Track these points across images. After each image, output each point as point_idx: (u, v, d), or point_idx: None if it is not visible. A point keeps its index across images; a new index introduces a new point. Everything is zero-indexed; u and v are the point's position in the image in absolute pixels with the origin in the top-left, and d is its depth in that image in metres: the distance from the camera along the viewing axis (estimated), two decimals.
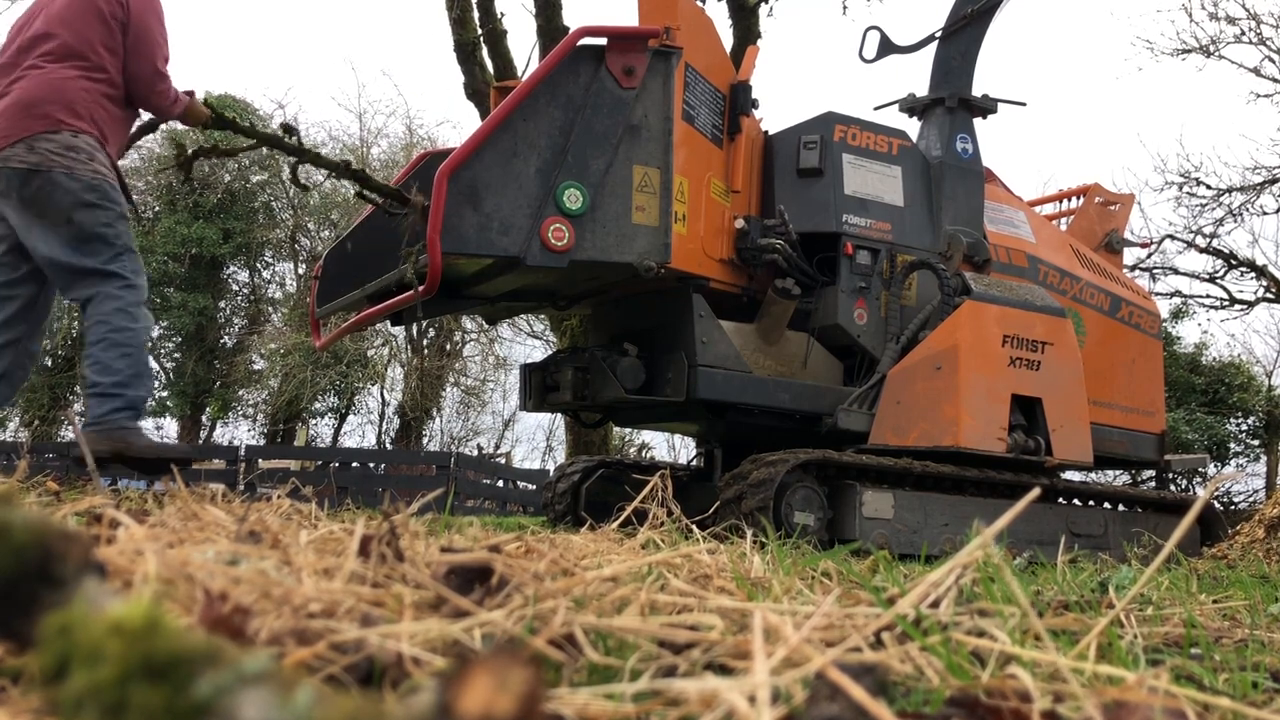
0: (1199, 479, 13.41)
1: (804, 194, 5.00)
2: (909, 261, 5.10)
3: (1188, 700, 0.78)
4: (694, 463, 6.84)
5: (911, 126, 5.70)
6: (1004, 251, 5.53)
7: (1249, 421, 15.35)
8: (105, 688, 0.49)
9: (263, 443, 18.10)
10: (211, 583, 0.86)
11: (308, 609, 0.87)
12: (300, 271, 19.13)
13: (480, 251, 4.10)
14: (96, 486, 2.20)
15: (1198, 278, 15.61)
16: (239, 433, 19.75)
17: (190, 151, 4.28)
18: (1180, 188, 15.18)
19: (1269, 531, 4.53)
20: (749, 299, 4.94)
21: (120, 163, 4.04)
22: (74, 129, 3.75)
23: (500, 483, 12.34)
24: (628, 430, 16.34)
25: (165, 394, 18.68)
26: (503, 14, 9.86)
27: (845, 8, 12.45)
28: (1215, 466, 14.33)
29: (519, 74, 9.47)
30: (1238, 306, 15.63)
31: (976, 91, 5.70)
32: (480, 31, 9.74)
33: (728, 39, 8.99)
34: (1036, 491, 0.92)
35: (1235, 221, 15.14)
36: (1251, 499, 14.87)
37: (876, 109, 6.16)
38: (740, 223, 4.84)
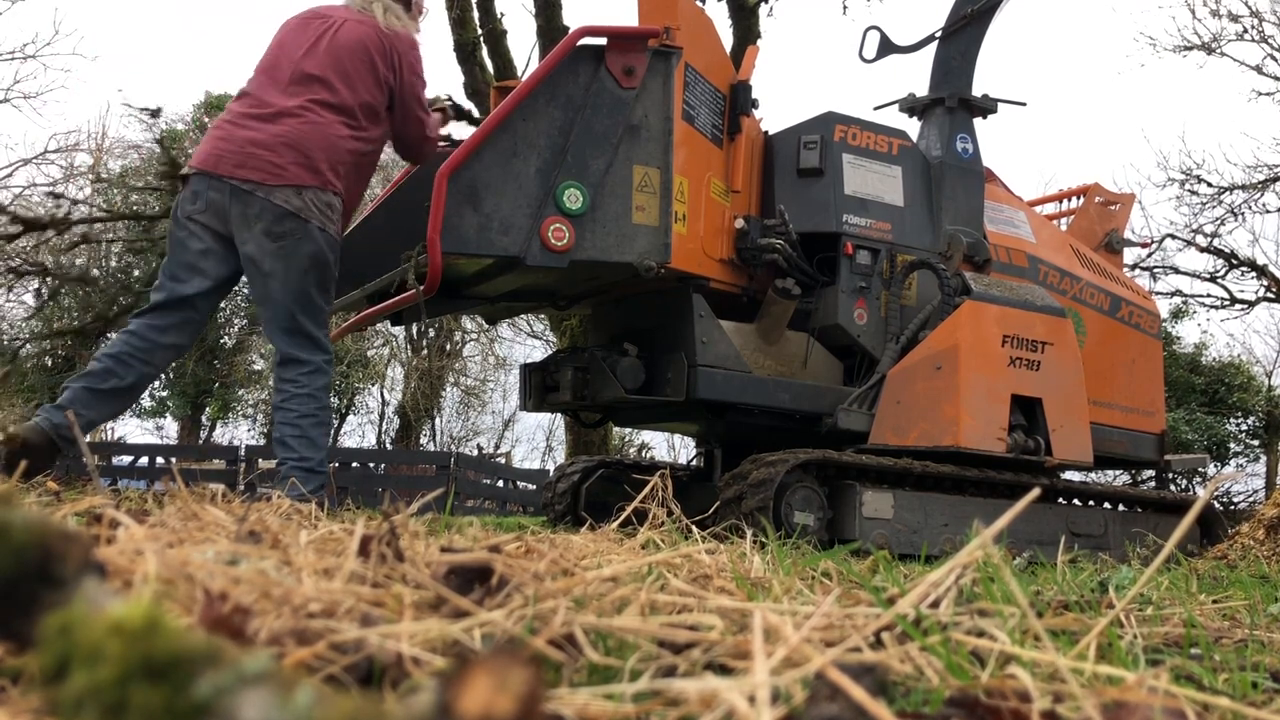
0: (1199, 479, 13.41)
1: (804, 194, 5.00)
2: (909, 261, 5.10)
3: (1187, 700, 0.78)
4: (694, 463, 6.84)
5: (911, 126, 5.70)
6: (1004, 251, 5.53)
7: (1249, 421, 15.35)
8: (105, 688, 0.49)
9: (263, 443, 18.10)
10: (211, 583, 0.86)
11: (308, 609, 0.87)
12: None
13: (480, 251, 4.10)
14: (96, 487, 2.20)
15: (1198, 277, 15.62)
16: (239, 433, 19.76)
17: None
18: (1182, 185, 15.18)
19: (1269, 532, 4.53)
20: (749, 299, 4.94)
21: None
22: (335, 190, 3.84)
23: (500, 483, 12.34)
24: (628, 430, 16.34)
25: (165, 394, 18.68)
26: (503, 14, 9.86)
27: (845, 8, 12.45)
28: (1215, 466, 14.32)
29: (519, 74, 9.46)
30: (1238, 306, 15.63)
31: (976, 91, 5.70)
32: (480, 31, 9.74)
33: (728, 39, 8.98)
34: (1036, 491, 0.92)
35: (1236, 220, 15.15)
36: (1251, 499, 14.87)
37: (876, 109, 6.15)
38: (740, 223, 4.84)
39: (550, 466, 17.71)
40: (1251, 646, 1.32)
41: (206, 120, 17.52)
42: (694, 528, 1.87)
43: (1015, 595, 0.91)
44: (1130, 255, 12.63)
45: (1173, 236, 15.33)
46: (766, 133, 5.17)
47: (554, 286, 4.97)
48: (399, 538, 1.03)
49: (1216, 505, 8.13)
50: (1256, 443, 15.38)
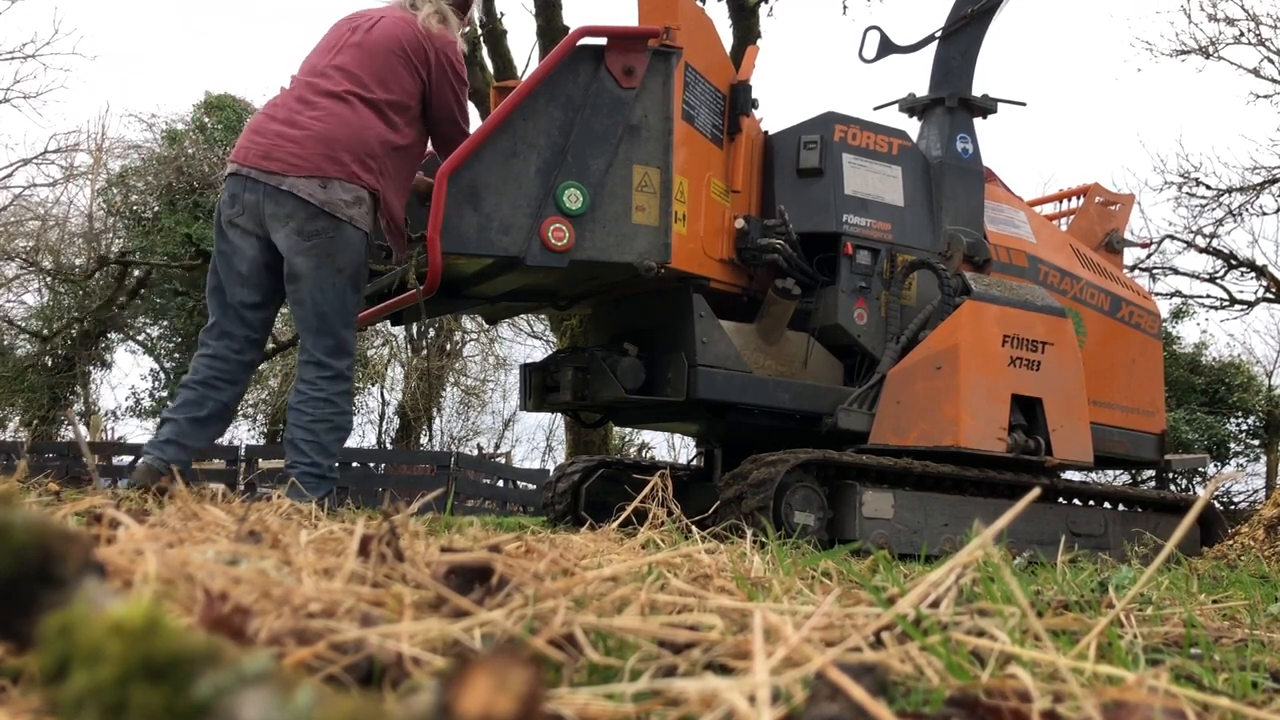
0: (1199, 479, 13.41)
1: (804, 194, 5.00)
2: (909, 261, 5.10)
3: (1187, 700, 0.78)
4: (694, 463, 6.84)
5: (911, 126, 5.70)
6: (1004, 251, 5.53)
7: (1249, 421, 15.35)
8: (105, 688, 0.49)
9: (263, 443, 18.10)
10: (211, 583, 0.86)
11: (308, 609, 0.87)
12: None
13: (480, 251, 4.10)
14: (96, 487, 2.20)
15: (1198, 278, 15.62)
16: (239, 433, 19.75)
17: None
18: (1180, 188, 15.18)
19: (1268, 532, 4.53)
20: (749, 299, 4.94)
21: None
22: (362, 183, 3.77)
23: (500, 483, 12.35)
24: (628, 430, 16.35)
25: (165, 394, 18.67)
26: (503, 14, 9.87)
27: (845, 8, 12.44)
28: (1215, 466, 14.32)
29: (519, 74, 9.47)
30: (1238, 306, 15.63)
31: (976, 91, 5.70)
32: (480, 31, 9.74)
33: (728, 39, 8.99)
34: (1036, 491, 0.92)
35: (1235, 221, 15.15)
36: (1251, 499, 14.87)
37: (876, 109, 6.15)
38: (740, 223, 4.84)
39: (550, 466, 17.72)
40: (1251, 646, 1.32)
41: (207, 120, 17.53)
42: (694, 528, 1.87)
43: (1015, 595, 0.91)
44: (1130, 256, 12.63)
45: (1172, 238, 15.33)
46: (766, 133, 5.17)
47: (554, 286, 4.97)
48: (399, 538, 1.03)
49: (1216, 505, 8.13)
50: (1256, 443, 15.38)
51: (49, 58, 19.24)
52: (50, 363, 16.88)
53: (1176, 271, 15.59)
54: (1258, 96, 14.67)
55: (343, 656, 0.76)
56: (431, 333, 18.84)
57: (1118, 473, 11.25)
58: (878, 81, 24.10)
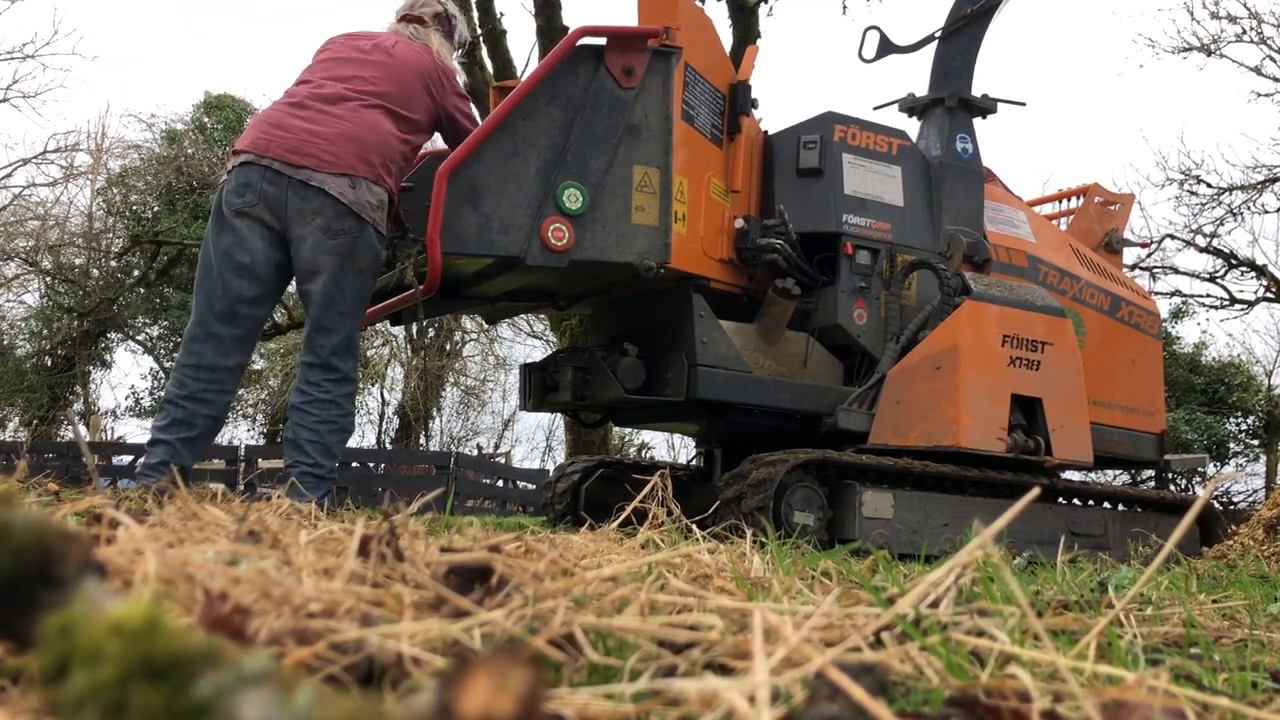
0: (1199, 479, 13.41)
1: (804, 194, 5.00)
2: (909, 261, 5.10)
3: (1187, 700, 0.78)
4: (694, 463, 6.84)
5: (911, 126, 5.70)
6: (1004, 251, 5.53)
7: (1249, 421, 15.35)
8: (105, 688, 0.49)
9: (263, 443, 18.10)
10: (211, 583, 0.86)
11: (308, 609, 0.87)
12: None
13: (480, 251, 4.10)
14: (96, 487, 2.20)
15: (1198, 277, 15.61)
16: (239, 433, 19.76)
17: None
18: (1181, 185, 15.18)
19: (1268, 532, 4.53)
20: (749, 299, 4.94)
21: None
22: (385, 185, 3.81)
23: (500, 483, 12.35)
24: (628, 430, 16.34)
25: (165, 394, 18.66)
26: (502, 14, 9.87)
27: (845, 8, 12.45)
28: (1215, 466, 14.32)
29: (518, 74, 9.47)
30: (1238, 306, 15.63)
31: (976, 91, 5.70)
32: (480, 31, 9.74)
33: (728, 39, 8.99)
34: (1036, 491, 0.92)
35: (1236, 220, 15.14)
36: (1251, 499, 14.87)
37: (876, 109, 6.15)
38: (740, 223, 4.84)
39: (550, 466, 17.72)
40: (1251, 646, 1.32)
41: (206, 120, 17.52)
42: (694, 528, 1.87)
43: (1015, 595, 0.91)
44: (1130, 255, 12.64)
45: (1172, 237, 15.33)
46: (766, 133, 5.17)
47: (554, 286, 4.96)
48: (399, 538, 1.03)
49: (1216, 505, 8.13)
50: (1256, 443, 15.38)
51: (49, 58, 19.24)
52: (50, 363, 16.89)
53: (1176, 271, 15.59)
54: (1259, 95, 14.67)
55: (343, 656, 0.76)
56: (431, 333, 18.84)
57: (1117, 473, 11.25)
58: (878, 81, 24.11)
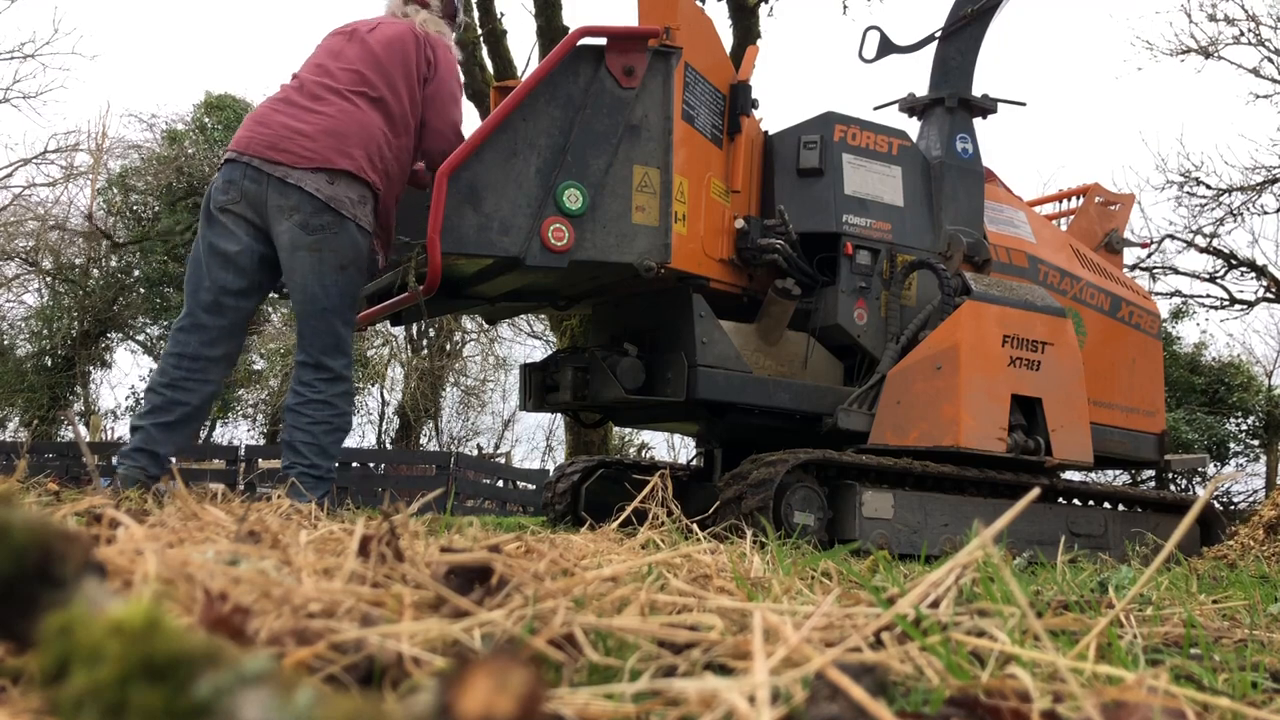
0: (1199, 479, 13.41)
1: (804, 194, 5.00)
2: (909, 261, 5.10)
3: (1187, 700, 0.78)
4: (694, 463, 6.84)
5: (911, 126, 5.70)
6: (1004, 251, 5.53)
7: (1249, 421, 15.35)
8: (105, 688, 0.49)
9: (263, 443, 18.09)
10: (211, 583, 0.86)
11: (308, 609, 0.87)
12: None
13: (480, 251, 4.10)
14: (96, 487, 2.20)
15: (1198, 278, 15.61)
16: (239, 433, 19.75)
17: None
18: (1181, 187, 15.18)
19: (1268, 532, 4.53)
20: (749, 299, 4.94)
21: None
22: (367, 179, 3.75)
23: (500, 483, 12.34)
24: (628, 430, 16.34)
25: None
26: (503, 14, 9.87)
27: (845, 8, 12.45)
28: (1215, 466, 14.32)
29: (519, 74, 9.47)
30: (1238, 306, 15.62)
31: (976, 91, 5.70)
32: (480, 31, 9.74)
33: (728, 39, 8.99)
34: (1036, 491, 0.92)
35: (1235, 221, 15.14)
36: (1251, 499, 14.87)
37: (876, 109, 6.16)
38: (740, 223, 4.84)
39: (550, 466, 17.71)
40: (1251, 646, 1.32)
41: (207, 120, 17.52)
42: (694, 528, 1.87)
43: (1015, 595, 0.91)
44: (1130, 255, 12.63)
45: (1172, 237, 15.33)
46: (766, 133, 5.17)
47: (554, 286, 4.97)
48: (399, 538, 1.03)
49: (1216, 505, 8.13)
50: (1256, 443, 15.38)
51: (48, 57, 19.26)
52: (50, 363, 16.88)
53: (1176, 271, 15.59)
54: (1258, 96, 14.67)
55: (343, 656, 0.76)
56: (431, 333, 18.83)
57: (1118, 473, 11.25)
58: (878, 81, 24.11)
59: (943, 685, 0.84)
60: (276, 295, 4.17)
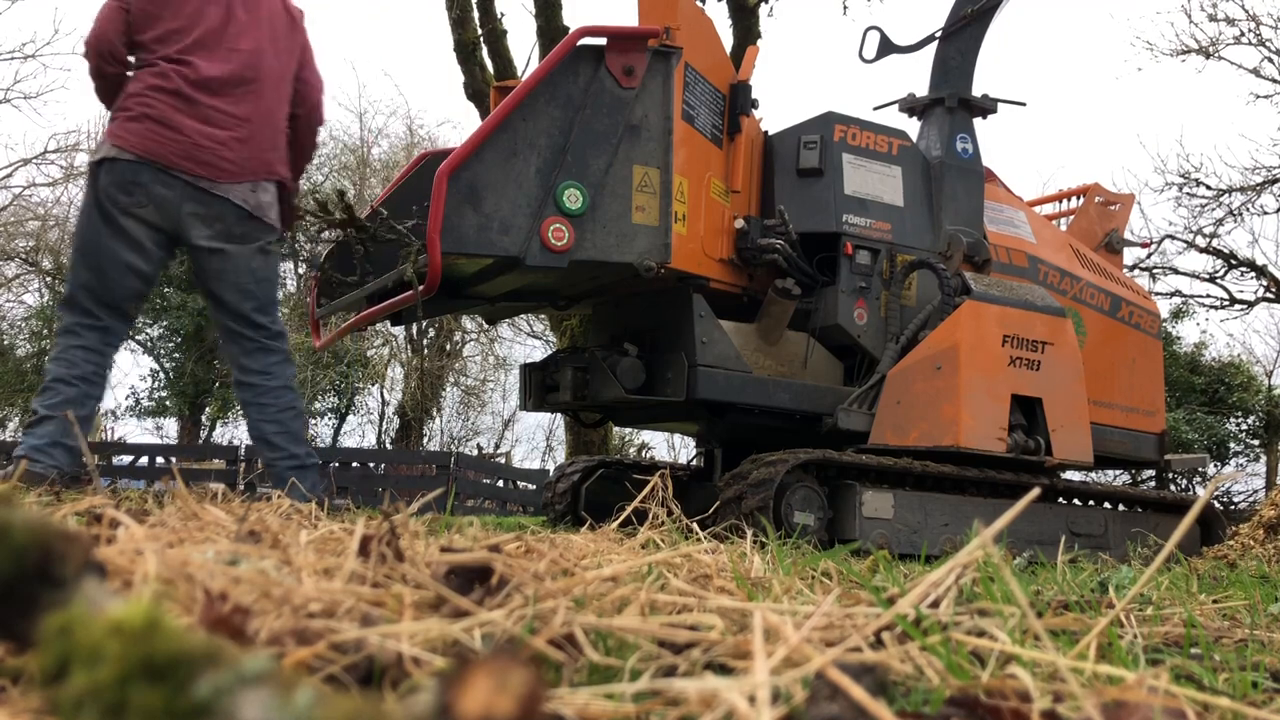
0: (1199, 479, 13.41)
1: (804, 194, 5.00)
2: (909, 261, 5.10)
3: (1188, 700, 0.78)
4: (694, 463, 6.84)
5: (911, 126, 5.70)
6: (1004, 251, 5.53)
7: (1249, 421, 15.35)
8: (105, 688, 0.49)
9: None
10: (211, 583, 0.86)
11: (308, 609, 0.87)
12: (300, 271, 19.13)
13: (480, 251, 4.10)
14: (96, 487, 2.20)
15: (1198, 278, 15.62)
16: (239, 433, 19.75)
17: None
18: (1180, 188, 15.18)
19: (1268, 532, 4.53)
20: (749, 299, 4.94)
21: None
22: (279, 176, 3.81)
23: (500, 483, 12.33)
24: (628, 430, 16.34)
25: (165, 394, 18.67)
26: (503, 14, 9.87)
27: (845, 8, 12.44)
28: (1215, 466, 14.32)
29: (519, 74, 9.47)
30: (1238, 306, 15.63)
31: (976, 91, 5.70)
32: (480, 31, 9.74)
33: (728, 39, 8.99)
34: (1036, 491, 0.92)
35: (1235, 221, 15.15)
36: (1251, 499, 14.87)
37: (876, 109, 6.15)
38: (740, 223, 4.84)
39: (550, 466, 17.71)
40: (1251, 646, 1.32)
41: None
42: (694, 527, 1.87)
43: (1015, 595, 0.91)
44: (1130, 256, 12.63)
45: (1172, 238, 15.34)
46: (766, 133, 5.17)
47: (554, 286, 4.97)
48: (399, 538, 1.03)
49: (1216, 505, 8.13)
50: (1256, 443, 15.38)
51: (49, 58, 19.26)
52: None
53: (1176, 271, 15.59)
54: (1258, 96, 14.68)
55: (343, 656, 0.76)
56: (431, 333, 18.83)
57: (1118, 473, 11.25)
58: (878, 81, 24.11)
59: (943, 685, 0.84)
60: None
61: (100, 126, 26.06)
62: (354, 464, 11.14)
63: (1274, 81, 14.55)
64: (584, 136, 4.22)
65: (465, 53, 9.72)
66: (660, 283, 4.60)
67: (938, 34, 5.72)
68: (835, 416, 4.87)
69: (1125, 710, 0.73)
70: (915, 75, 23.15)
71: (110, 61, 3.72)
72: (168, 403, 18.66)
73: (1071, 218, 6.72)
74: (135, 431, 19.48)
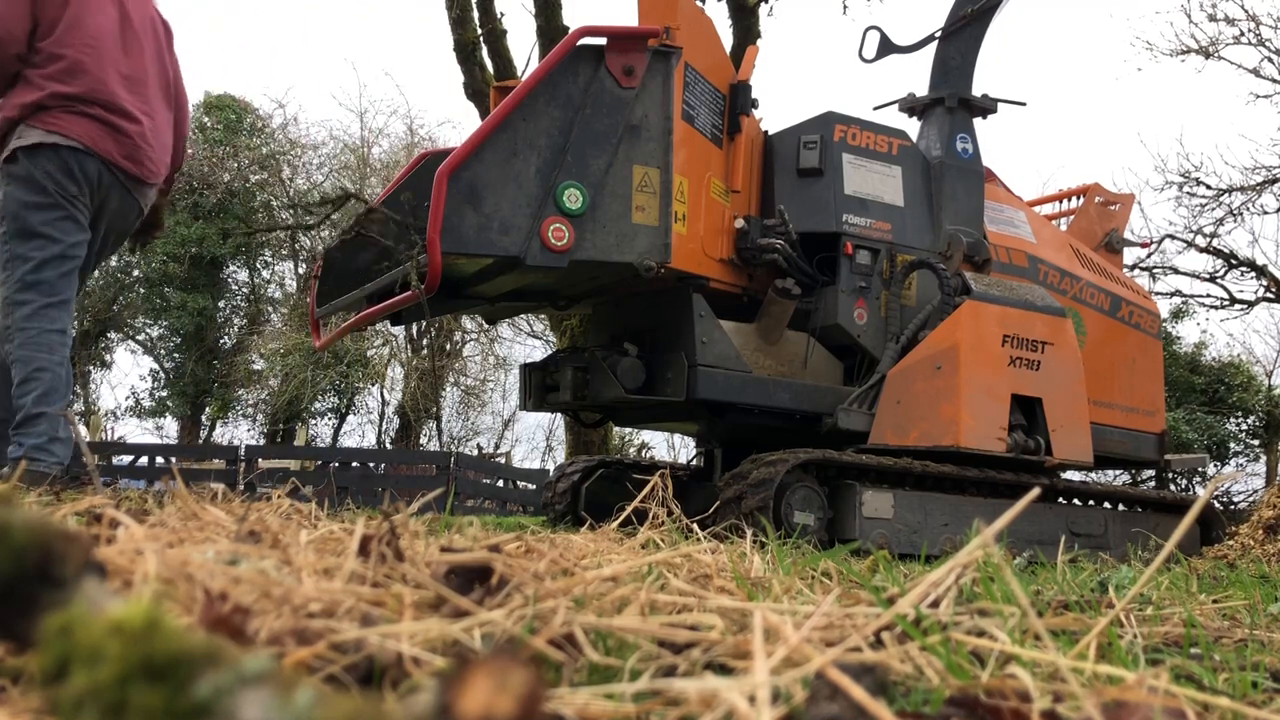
0: (1199, 479, 13.41)
1: (804, 194, 5.00)
2: (909, 261, 5.10)
3: (1188, 700, 0.78)
4: (694, 463, 6.84)
5: (911, 126, 5.70)
6: (1004, 251, 5.53)
7: (1249, 421, 15.35)
8: (105, 688, 0.49)
9: (263, 443, 18.08)
10: (211, 583, 0.86)
11: (308, 609, 0.87)
12: (300, 271, 19.13)
13: (480, 251, 4.10)
14: (96, 487, 2.20)
15: (1198, 277, 15.62)
16: (239, 433, 19.77)
17: None
18: (1180, 188, 15.18)
19: (1268, 533, 4.53)
20: (749, 299, 4.94)
21: None
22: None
23: (500, 483, 12.33)
24: (628, 430, 16.34)
25: (165, 394, 18.68)
26: (503, 14, 9.86)
27: (845, 8, 12.44)
28: (1215, 466, 14.32)
29: (519, 74, 9.47)
30: (1238, 306, 15.63)
31: (976, 91, 5.70)
32: (480, 31, 9.74)
33: (728, 39, 8.99)
34: (1036, 491, 0.92)
35: (1235, 221, 15.15)
36: (1251, 499, 14.87)
37: (876, 109, 6.15)
38: (740, 223, 4.84)
39: (550, 466, 17.70)
40: (1251, 646, 1.32)
41: (206, 120, 17.51)
42: (694, 527, 1.87)
43: (1015, 595, 0.91)
44: (1130, 255, 12.63)
45: (1172, 238, 15.34)
46: (766, 133, 5.17)
47: (554, 286, 4.97)
48: (399, 538, 1.03)
49: (1216, 505, 8.13)
50: (1256, 442, 15.38)
51: None
52: None
53: (1176, 271, 15.59)
54: (1258, 96, 14.68)
55: (343, 656, 0.76)
56: (432, 332, 18.83)
57: (1118, 473, 11.25)
58: (878, 81, 24.11)
59: (943, 685, 0.84)
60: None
61: None
62: (354, 464, 11.14)
63: (1274, 81, 14.55)
64: (584, 136, 4.22)
65: (465, 53, 9.71)
66: (660, 283, 4.60)
67: (937, 34, 5.72)
68: (835, 416, 4.87)
69: (1125, 710, 0.73)
70: (915, 75, 23.16)
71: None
72: (168, 403, 18.66)
73: (1071, 218, 6.72)
74: (135, 431, 19.48)
